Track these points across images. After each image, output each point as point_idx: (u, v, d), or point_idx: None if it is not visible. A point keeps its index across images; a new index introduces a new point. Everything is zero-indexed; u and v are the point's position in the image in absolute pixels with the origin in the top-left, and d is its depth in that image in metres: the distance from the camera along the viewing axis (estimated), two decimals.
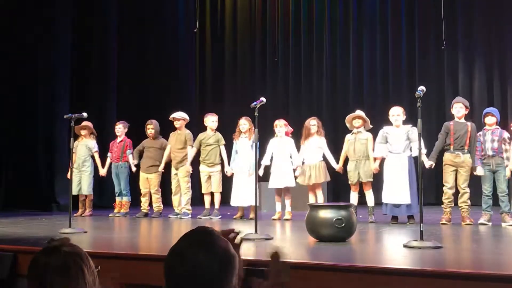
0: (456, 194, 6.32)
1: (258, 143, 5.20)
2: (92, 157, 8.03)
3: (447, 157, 6.31)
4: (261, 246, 4.24)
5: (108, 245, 4.62)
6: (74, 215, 7.64)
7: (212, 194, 7.51)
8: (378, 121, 7.65)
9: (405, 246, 4.06)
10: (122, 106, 10.05)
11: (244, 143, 7.27)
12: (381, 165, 6.70)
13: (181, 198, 7.53)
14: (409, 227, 5.90)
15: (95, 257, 1.84)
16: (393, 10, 10.80)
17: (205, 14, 11.95)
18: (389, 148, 6.52)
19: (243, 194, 7.07)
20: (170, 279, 1.59)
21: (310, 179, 6.98)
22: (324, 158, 7.13)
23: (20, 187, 9.12)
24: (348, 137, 6.91)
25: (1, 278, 3.85)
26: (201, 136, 7.56)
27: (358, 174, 6.71)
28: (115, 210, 7.86)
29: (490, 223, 6.00)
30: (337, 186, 9.39)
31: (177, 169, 7.55)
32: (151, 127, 7.81)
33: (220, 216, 7.36)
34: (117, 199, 7.90)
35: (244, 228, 5.52)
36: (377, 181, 6.98)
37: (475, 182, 6.61)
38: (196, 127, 8.25)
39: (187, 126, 7.77)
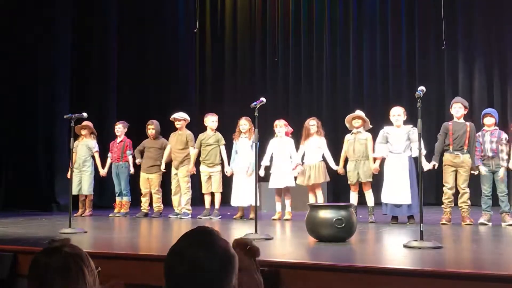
0: (456, 194, 6.32)
1: (258, 143, 5.20)
2: (93, 157, 8.04)
3: (447, 157, 6.32)
4: (261, 246, 4.24)
5: (108, 245, 4.62)
6: (74, 215, 7.64)
7: (212, 194, 7.51)
8: (378, 121, 7.66)
9: (405, 246, 4.06)
10: (122, 106, 10.05)
11: (244, 143, 7.27)
12: (381, 165, 6.70)
13: (181, 198, 7.53)
14: (409, 227, 5.90)
15: (95, 257, 1.84)
16: (393, 10, 10.80)
17: (205, 14, 11.95)
18: (389, 148, 6.52)
19: (243, 194, 7.07)
20: (170, 279, 1.59)
21: (310, 179, 6.98)
22: (324, 159, 7.13)
23: (20, 187, 9.12)
24: (348, 137, 6.91)
25: (1, 278, 3.85)
26: (201, 136, 7.56)
27: (358, 174, 6.71)
28: (115, 210, 7.86)
29: (490, 223, 6.00)
30: (337, 186, 9.39)
31: (177, 169, 7.55)
32: (152, 127, 7.82)
33: (220, 216, 7.36)
34: (117, 199, 7.91)
35: (244, 228, 5.53)
36: (376, 181, 6.99)
37: (474, 182, 6.61)
38: (196, 127, 8.25)
39: (187, 126, 7.77)
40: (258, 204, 5.43)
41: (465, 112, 6.44)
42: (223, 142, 7.51)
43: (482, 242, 4.94)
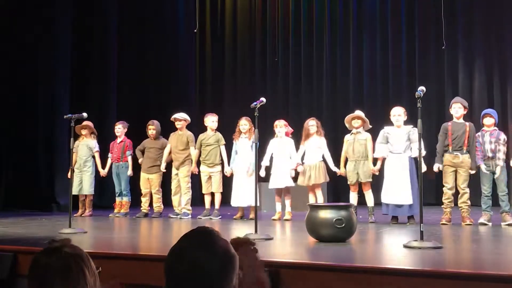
0: (456, 194, 6.32)
1: (258, 143, 5.20)
2: (93, 157, 8.04)
3: (446, 158, 6.32)
4: (261, 247, 4.24)
5: (108, 245, 4.62)
6: (74, 215, 7.65)
7: (212, 194, 7.51)
8: (378, 121, 7.65)
9: (405, 246, 4.06)
10: (122, 106, 10.05)
11: (244, 144, 7.27)
12: (381, 165, 6.70)
13: (181, 198, 7.53)
14: (409, 227, 5.90)
15: (95, 257, 1.84)
16: (393, 10, 10.81)
17: (205, 14, 11.95)
18: (389, 148, 6.52)
19: (243, 195, 7.07)
20: (170, 279, 1.59)
21: (310, 179, 6.98)
22: (324, 159, 7.13)
23: (20, 187, 9.12)
24: (347, 137, 6.91)
25: (1, 278, 3.85)
26: (201, 136, 7.56)
27: (357, 174, 6.71)
28: (115, 210, 7.86)
29: (490, 223, 6.00)
30: (337, 186, 9.40)
31: (178, 169, 7.55)
32: (153, 128, 7.82)
33: (220, 217, 7.36)
34: (117, 199, 7.90)
35: (244, 228, 5.54)
36: (376, 181, 6.99)
37: (474, 182, 6.61)
38: (196, 127, 8.25)
39: (188, 126, 7.76)
40: (258, 204, 5.43)
41: (465, 112, 6.44)
42: (223, 142, 7.51)
43: (482, 242, 4.94)
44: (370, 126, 6.94)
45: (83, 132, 8.01)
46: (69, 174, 6.95)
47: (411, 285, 2.97)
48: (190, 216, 7.40)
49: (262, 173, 7.17)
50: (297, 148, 7.21)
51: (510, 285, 2.79)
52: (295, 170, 7.11)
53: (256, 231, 4.80)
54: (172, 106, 9.03)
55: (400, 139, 6.46)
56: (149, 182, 7.76)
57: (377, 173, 6.64)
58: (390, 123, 6.63)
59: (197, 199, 8.25)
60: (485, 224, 5.98)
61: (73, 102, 9.38)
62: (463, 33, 10.23)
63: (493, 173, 6.14)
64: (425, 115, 6.60)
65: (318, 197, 7.01)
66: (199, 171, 7.61)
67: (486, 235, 5.32)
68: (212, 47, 12.00)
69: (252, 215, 6.82)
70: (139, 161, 7.89)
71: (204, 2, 11.93)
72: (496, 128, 6.29)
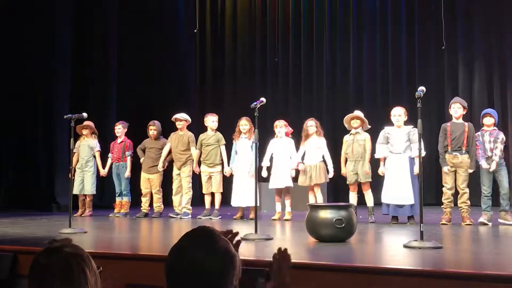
0: (456, 194, 6.32)
1: (258, 144, 5.20)
2: (94, 156, 8.04)
3: (446, 158, 6.32)
4: (261, 247, 4.25)
5: (108, 246, 4.63)
6: (74, 215, 7.66)
7: (212, 194, 7.52)
8: (378, 121, 7.66)
9: (405, 246, 4.06)
10: (122, 106, 10.05)
11: (244, 144, 7.27)
12: (379, 165, 6.71)
13: (182, 198, 7.53)
14: (409, 227, 5.90)
15: (96, 257, 1.84)
16: (393, 10, 10.81)
17: (205, 14, 11.95)
18: (390, 149, 6.53)
19: (243, 195, 7.07)
20: (170, 278, 1.59)
21: (311, 179, 6.98)
22: (324, 159, 7.13)
23: (20, 187, 9.13)
24: (346, 137, 6.92)
25: (1, 278, 3.85)
26: (201, 136, 7.56)
27: (356, 174, 6.72)
28: (115, 210, 7.86)
29: (490, 223, 6.00)
30: (337, 186, 9.40)
31: (179, 169, 7.55)
32: (154, 128, 7.82)
33: (220, 217, 7.36)
34: (117, 199, 7.91)
35: (244, 229, 5.53)
36: (376, 181, 6.99)
37: (474, 182, 6.62)
38: (196, 127, 8.25)
39: (188, 126, 7.77)
40: (258, 204, 5.43)
41: (464, 113, 6.45)
42: (223, 142, 7.51)
43: (482, 242, 4.95)
44: (369, 127, 6.94)
45: (84, 132, 8.01)
46: (70, 174, 6.95)
47: (411, 285, 2.97)
48: (190, 215, 7.41)
49: (265, 173, 7.18)
50: (297, 148, 7.21)
51: (510, 285, 2.79)
52: (296, 169, 7.11)
53: (256, 231, 4.81)
54: (172, 106, 9.03)
55: (400, 139, 6.46)
56: (149, 182, 7.76)
57: (382, 174, 6.63)
58: (390, 123, 6.63)
59: (197, 199, 8.26)
60: (485, 224, 5.98)
61: (73, 102, 9.38)
62: (463, 33, 10.23)
63: (494, 172, 6.15)
64: (425, 115, 6.61)
65: (318, 197, 7.01)
66: (199, 171, 7.61)
67: (486, 235, 5.33)
68: (212, 47, 11.99)
69: (252, 215, 6.82)
70: (141, 160, 7.89)
71: (204, 2, 11.93)
72: (495, 128, 6.30)
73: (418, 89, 4.33)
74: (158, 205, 7.71)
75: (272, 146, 7.26)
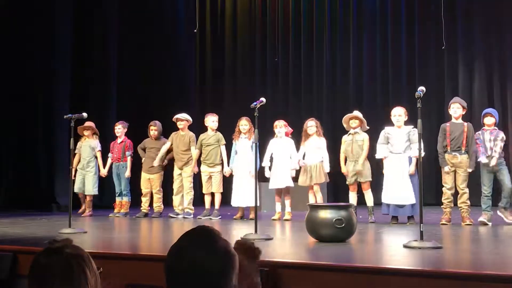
0: (456, 194, 6.33)
1: (258, 144, 5.20)
2: (96, 157, 8.05)
3: (445, 158, 6.33)
4: (260, 247, 4.24)
5: (108, 246, 4.63)
6: (78, 211, 7.68)
7: (212, 194, 7.52)
8: (378, 121, 7.66)
9: (405, 246, 4.06)
10: (122, 106, 10.05)
11: (244, 144, 7.27)
12: (381, 165, 6.71)
13: (184, 198, 7.53)
14: (409, 227, 5.91)
15: (96, 257, 1.84)
16: (393, 10, 10.80)
17: (205, 14, 11.95)
18: (389, 149, 6.53)
19: (243, 195, 7.07)
20: (170, 278, 1.59)
21: (311, 179, 6.99)
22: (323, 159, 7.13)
23: (20, 187, 9.13)
24: (345, 138, 6.92)
25: (1, 278, 3.86)
26: (202, 136, 7.57)
27: (356, 174, 6.72)
28: (115, 210, 7.86)
29: (490, 223, 6.01)
30: (337, 186, 9.40)
31: (181, 169, 7.55)
32: (155, 128, 7.83)
33: (219, 217, 7.36)
34: (117, 199, 7.91)
35: (244, 229, 5.54)
36: (376, 181, 6.99)
37: (474, 182, 6.62)
38: (197, 127, 8.25)
39: (188, 126, 7.76)
40: (258, 204, 5.43)
41: (463, 113, 6.45)
42: (224, 142, 7.52)
43: (482, 242, 4.95)
44: (368, 127, 6.95)
45: (86, 133, 8.02)
46: (70, 174, 6.94)
47: (410, 285, 2.97)
48: (192, 215, 7.42)
49: (267, 173, 7.19)
50: (298, 148, 7.21)
51: (510, 285, 2.79)
52: (298, 164, 7.09)
53: (256, 231, 4.81)
54: (172, 106, 9.03)
55: (400, 140, 6.47)
56: (150, 182, 7.77)
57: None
58: (390, 123, 6.63)
59: (197, 199, 8.26)
60: (485, 224, 5.98)
61: (73, 102, 9.38)
62: (463, 33, 10.23)
63: (493, 172, 6.15)
64: (425, 115, 6.61)
65: (318, 197, 7.01)
66: (199, 171, 7.61)
67: (486, 235, 5.33)
68: (212, 47, 11.99)
69: (252, 215, 6.82)
70: (143, 159, 7.89)
71: (204, 2, 11.93)
72: (496, 127, 6.31)
73: (418, 89, 4.33)
74: (158, 205, 7.71)
75: (272, 146, 7.26)
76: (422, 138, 4.45)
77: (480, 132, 6.30)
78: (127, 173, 7.86)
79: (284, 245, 4.76)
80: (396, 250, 4.15)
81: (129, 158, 7.91)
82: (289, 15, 11.51)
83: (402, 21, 10.73)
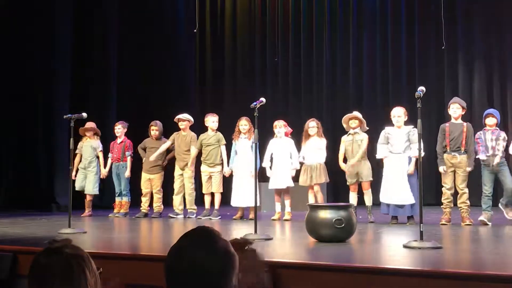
0: (455, 194, 6.33)
1: (258, 144, 5.20)
2: (97, 157, 8.05)
3: (445, 158, 6.33)
4: (260, 247, 4.24)
5: (108, 246, 4.63)
6: (81, 215, 7.66)
7: (212, 194, 7.52)
8: (378, 121, 7.65)
9: (405, 246, 4.06)
10: (122, 106, 10.05)
11: (244, 144, 7.27)
12: (381, 165, 6.71)
13: (186, 199, 7.54)
14: (409, 228, 5.91)
15: (96, 257, 1.85)
16: (393, 10, 10.80)
17: (205, 14, 11.95)
18: (389, 149, 6.53)
19: (243, 195, 7.07)
20: (170, 278, 1.59)
21: (311, 179, 6.99)
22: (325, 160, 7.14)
23: (20, 187, 9.13)
24: (345, 138, 6.93)
25: (1, 278, 3.86)
26: (202, 136, 7.57)
27: (357, 174, 6.72)
28: (115, 211, 7.86)
29: (490, 223, 6.01)
30: (337, 186, 9.39)
31: (183, 169, 7.55)
32: (156, 128, 7.83)
33: (219, 217, 7.36)
34: (117, 199, 7.91)
35: (244, 229, 5.54)
36: (376, 181, 6.99)
37: (474, 182, 6.62)
38: (197, 127, 8.24)
39: (189, 126, 7.77)
40: (258, 204, 5.44)
41: (463, 113, 6.45)
42: (224, 142, 7.52)
43: (482, 243, 4.95)
44: (367, 128, 6.95)
45: (88, 133, 8.02)
46: (72, 174, 6.95)
47: (410, 285, 2.98)
48: (195, 215, 7.43)
49: (269, 173, 7.19)
50: (298, 148, 7.21)
51: (510, 285, 2.79)
52: (299, 163, 7.09)
53: (255, 231, 4.81)
54: (172, 106, 9.02)
55: (400, 140, 6.47)
56: (150, 182, 7.77)
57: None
58: (390, 123, 6.63)
59: (197, 199, 8.25)
60: (485, 223, 5.98)
61: (73, 102, 9.38)
62: (463, 33, 10.23)
63: (495, 173, 6.15)
64: (425, 115, 6.61)
65: (318, 197, 7.02)
66: (199, 171, 7.62)
67: (486, 235, 5.33)
68: (212, 47, 11.99)
69: (252, 215, 6.82)
70: (143, 159, 7.89)
71: (204, 2, 11.93)
72: (497, 128, 6.33)
73: (418, 89, 4.33)
74: (158, 205, 7.71)
75: (271, 146, 7.26)
76: (422, 138, 4.45)
77: (481, 132, 6.32)
78: (127, 173, 7.86)
79: (284, 245, 4.76)
80: (396, 250, 4.15)
81: (129, 158, 7.91)
82: (288, 15, 11.51)
83: (402, 21, 10.73)
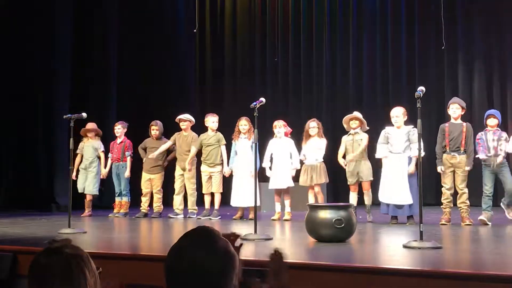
0: (455, 194, 6.33)
1: (257, 144, 5.21)
2: (99, 157, 8.05)
3: (444, 158, 6.34)
4: (260, 247, 4.25)
5: (108, 246, 4.63)
6: (81, 215, 7.65)
7: (212, 194, 7.52)
8: (378, 121, 7.65)
9: (404, 246, 4.07)
10: (122, 106, 10.05)
11: (244, 144, 7.27)
12: (380, 164, 6.71)
13: (188, 199, 7.54)
14: (409, 228, 5.91)
15: (95, 257, 1.84)
16: (393, 10, 10.80)
17: (205, 14, 11.94)
18: (389, 148, 6.54)
19: (243, 195, 7.07)
20: (170, 278, 1.59)
21: (311, 179, 6.99)
22: (324, 159, 7.14)
23: (20, 187, 9.13)
24: (345, 138, 6.93)
25: (1, 278, 3.86)
26: (202, 136, 7.58)
27: (357, 174, 6.73)
28: (115, 211, 7.86)
29: (490, 223, 6.01)
30: (337, 186, 9.40)
31: (184, 170, 7.56)
32: (156, 128, 7.83)
33: (219, 217, 7.36)
34: (117, 199, 7.91)
35: (244, 229, 5.54)
36: (376, 181, 6.99)
37: (473, 182, 6.61)
38: (196, 127, 8.24)
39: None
40: (258, 204, 5.44)
41: (462, 113, 6.45)
42: (224, 142, 7.52)
43: (482, 243, 4.95)
44: (368, 128, 6.95)
45: (89, 134, 8.02)
46: (73, 175, 6.95)
47: (410, 285, 2.98)
48: (196, 215, 7.43)
49: (269, 173, 7.19)
50: (298, 148, 7.21)
51: (510, 285, 2.80)
52: (301, 162, 7.09)
53: (255, 231, 4.81)
54: (172, 106, 9.01)
55: (399, 140, 6.47)
56: (150, 182, 7.77)
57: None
58: (390, 123, 6.63)
59: (197, 199, 8.26)
60: (485, 223, 5.98)
61: (73, 102, 9.38)
62: (463, 33, 10.22)
63: (496, 173, 6.16)
64: (425, 115, 6.61)
65: (318, 198, 7.02)
66: (199, 171, 7.62)
67: (486, 235, 5.33)
68: (212, 46, 11.98)
69: (251, 215, 6.82)
70: (144, 159, 7.89)
71: (204, 2, 11.92)
72: (498, 128, 6.34)
73: (418, 89, 4.34)
74: (158, 205, 7.71)
75: (271, 146, 7.26)
76: (422, 138, 4.46)
77: (482, 132, 6.32)
78: (127, 173, 7.86)
79: (284, 245, 4.76)
80: (396, 250, 4.15)
81: (128, 158, 7.91)
82: (288, 14, 11.50)
83: (402, 21, 10.72)
